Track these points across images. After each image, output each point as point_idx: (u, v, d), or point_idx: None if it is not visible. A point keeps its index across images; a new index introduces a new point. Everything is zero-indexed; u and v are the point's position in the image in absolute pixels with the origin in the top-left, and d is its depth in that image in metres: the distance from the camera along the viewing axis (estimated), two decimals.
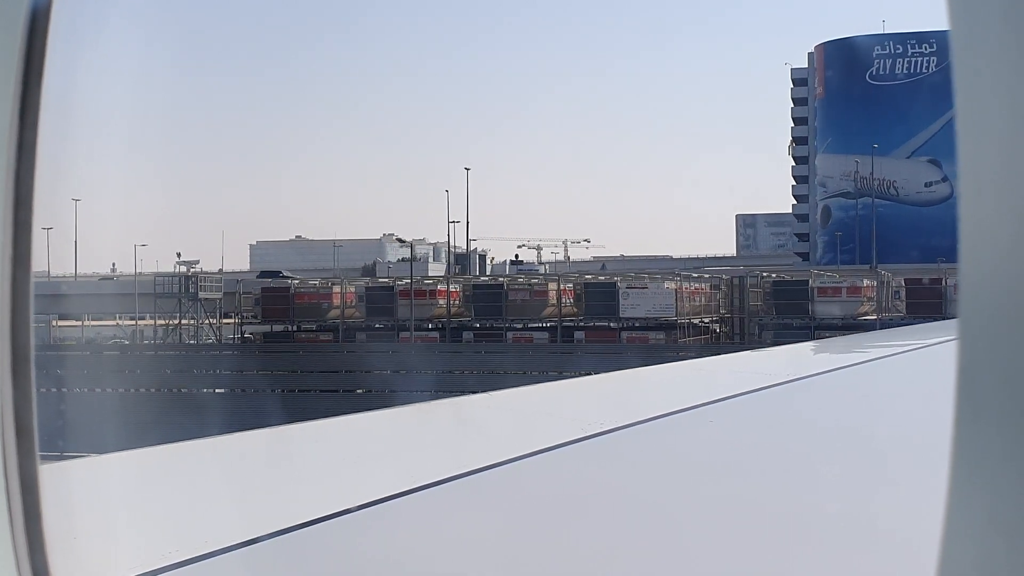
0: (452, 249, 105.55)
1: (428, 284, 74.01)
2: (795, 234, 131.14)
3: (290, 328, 72.02)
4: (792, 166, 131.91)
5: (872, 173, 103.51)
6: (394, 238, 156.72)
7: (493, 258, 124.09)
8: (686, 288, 68.34)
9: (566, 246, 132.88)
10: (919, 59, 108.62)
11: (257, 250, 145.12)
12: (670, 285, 68.23)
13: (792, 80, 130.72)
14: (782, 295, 66.54)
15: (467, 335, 69.05)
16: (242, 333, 76.22)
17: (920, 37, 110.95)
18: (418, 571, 3.36)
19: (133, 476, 4.55)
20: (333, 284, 75.31)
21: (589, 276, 78.34)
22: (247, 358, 66.54)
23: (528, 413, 6.92)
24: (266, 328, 74.16)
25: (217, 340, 76.47)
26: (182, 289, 76.63)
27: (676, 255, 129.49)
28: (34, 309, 2.00)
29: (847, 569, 3.36)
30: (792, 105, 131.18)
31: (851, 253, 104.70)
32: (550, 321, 68.28)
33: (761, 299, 68.05)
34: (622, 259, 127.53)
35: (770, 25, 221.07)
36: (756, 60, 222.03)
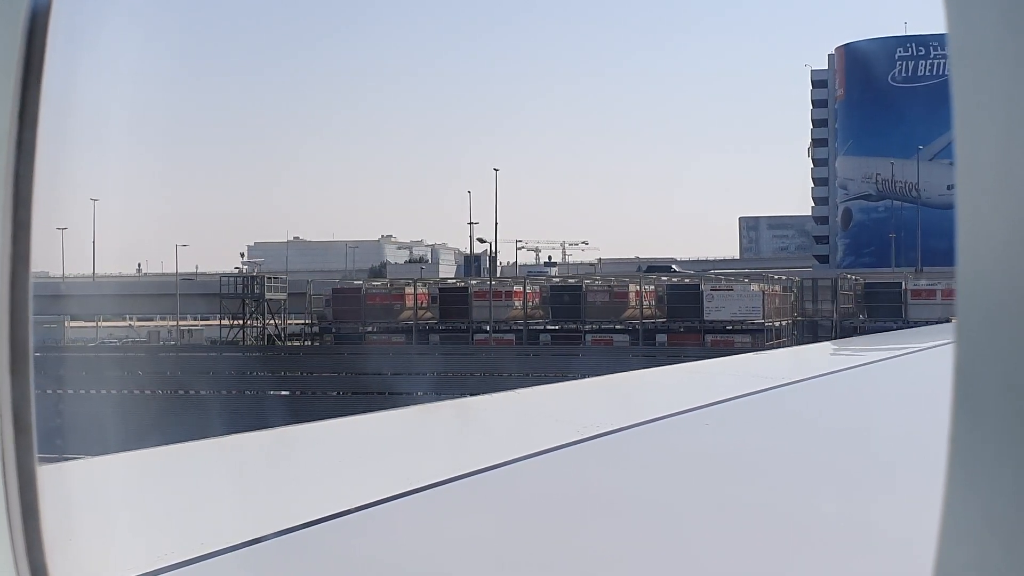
0: (473, 250, 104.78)
1: (504, 285, 72.83)
2: (813, 236, 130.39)
3: (361, 329, 70.81)
4: (811, 168, 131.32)
5: (892, 175, 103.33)
6: (392, 239, 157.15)
7: (507, 260, 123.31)
8: (768, 290, 67.31)
9: (564, 248, 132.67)
10: (941, 61, 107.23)
11: (254, 251, 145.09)
12: (756, 287, 67.17)
13: (812, 82, 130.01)
14: (875, 297, 65.81)
15: (544, 337, 67.68)
16: (282, 335, 75.32)
17: (942, 39, 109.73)
18: (418, 572, 3.36)
19: (132, 477, 4.55)
20: (406, 285, 74.28)
21: (666, 278, 76.72)
22: (317, 359, 65.85)
23: (527, 415, 6.92)
24: (293, 328, 73.69)
25: (282, 341, 75.50)
26: (248, 290, 75.57)
27: (680, 257, 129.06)
28: (33, 309, 2.00)
29: (844, 570, 3.37)
30: (812, 107, 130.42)
31: (872, 256, 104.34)
32: (631, 323, 66.92)
33: (852, 302, 67.17)
34: (635, 260, 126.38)
35: (788, 27, 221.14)
36: (769, 62, 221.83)
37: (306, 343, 74.59)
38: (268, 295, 74.60)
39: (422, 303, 71.37)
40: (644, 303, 67.42)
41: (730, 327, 63.89)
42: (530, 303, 69.72)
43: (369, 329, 70.47)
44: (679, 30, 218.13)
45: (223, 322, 75.91)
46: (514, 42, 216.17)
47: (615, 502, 4.26)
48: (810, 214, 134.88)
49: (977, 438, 1.29)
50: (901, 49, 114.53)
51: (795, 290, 70.36)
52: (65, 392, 44.99)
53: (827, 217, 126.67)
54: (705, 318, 64.61)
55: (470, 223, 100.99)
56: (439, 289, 73.95)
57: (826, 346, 23.36)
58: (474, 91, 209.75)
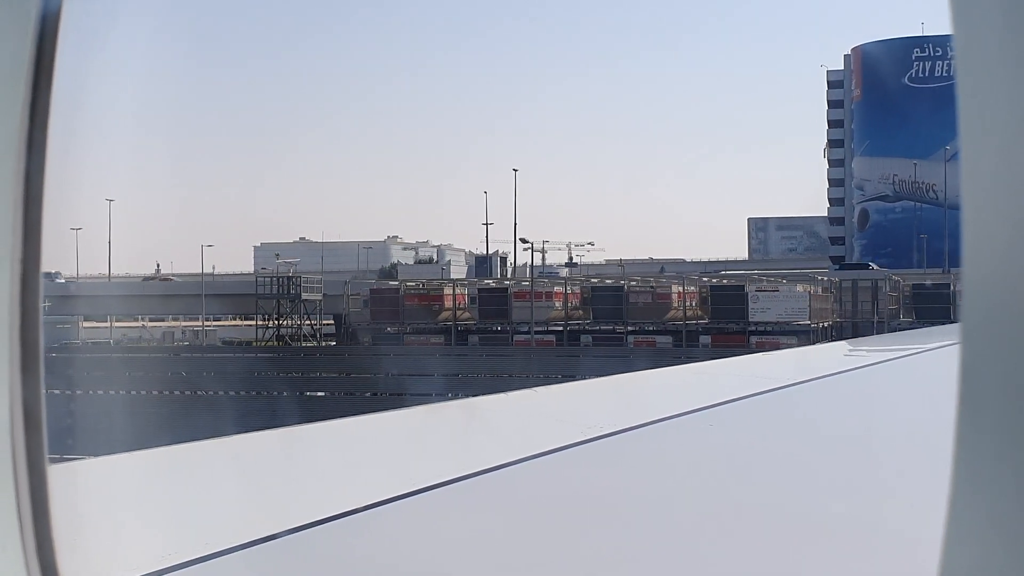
0: (488, 251, 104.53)
1: (545, 286, 72.04)
2: (829, 237, 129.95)
3: (400, 330, 70.38)
4: (827, 169, 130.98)
5: (914, 176, 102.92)
6: (398, 240, 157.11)
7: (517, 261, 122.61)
8: (814, 291, 66.85)
9: (570, 249, 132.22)
10: None
11: (261, 251, 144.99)
12: (802, 288, 66.78)
13: (827, 83, 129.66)
14: (923, 299, 65.48)
15: (585, 339, 66.85)
16: (313, 335, 74.63)
17: None
18: (423, 572, 3.37)
19: (141, 476, 4.57)
20: (444, 285, 74.07)
21: (706, 278, 76.02)
22: (355, 360, 65.02)
23: (531, 415, 6.92)
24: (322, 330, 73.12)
25: (317, 343, 75.23)
26: (283, 290, 75.26)
27: (688, 258, 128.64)
28: (43, 309, 2.01)
29: (848, 571, 3.37)
30: (827, 108, 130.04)
31: (889, 257, 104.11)
32: (673, 324, 66.07)
33: (898, 303, 66.92)
34: (650, 262, 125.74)
35: (799, 28, 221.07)
36: (779, 64, 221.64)
37: (325, 343, 74.20)
38: (304, 295, 74.29)
39: (461, 304, 70.87)
40: (687, 304, 66.77)
41: (775, 328, 63.32)
42: (571, 304, 69.14)
43: (407, 330, 69.94)
44: (688, 31, 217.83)
45: (258, 322, 75.75)
46: (520, 41, 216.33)
47: (618, 503, 4.27)
48: (818, 215, 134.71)
49: (982, 439, 1.29)
50: (918, 50, 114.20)
51: (834, 291, 69.80)
52: (87, 392, 45.04)
53: (843, 218, 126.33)
54: (750, 319, 64.13)
55: (486, 224, 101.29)
56: (478, 290, 73.46)
57: (831, 347, 23.32)
58: (479, 91, 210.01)
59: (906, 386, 9.17)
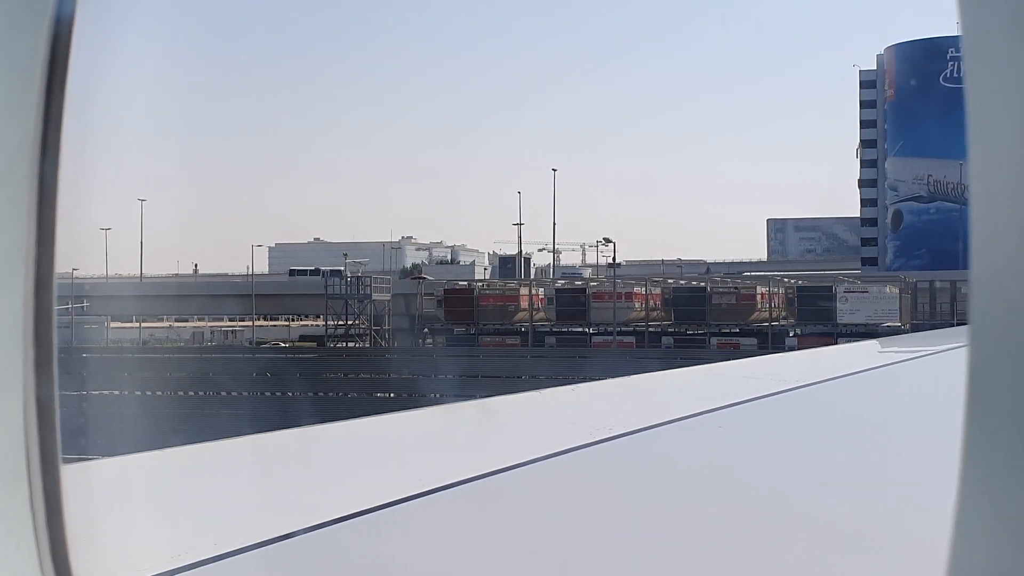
0: (521, 251, 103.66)
1: (625, 286, 70.31)
2: (861, 238, 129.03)
3: (473, 330, 69.20)
4: (859, 169, 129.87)
5: (960, 178, 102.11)
6: (412, 240, 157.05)
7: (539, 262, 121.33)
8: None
9: (584, 250, 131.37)
10: None
11: (276, 252, 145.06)
12: (892, 289, 65.61)
13: (860, 83, 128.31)
14: None
15: (666, 340, 65.33)
16: (388, 335, 73.65)
17: None
18: (435, 572, 3.38)
19: (154, 476, 4.58)
20: (521, 286, 72.80)
21: (792, 279, 74.20)
22: (432, 361, 64.58)
23: (540, 417, 6.92)
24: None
25: (387, 344, 74.43)
26: (353, 290, 74.10)
27: (709, 259, 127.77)
28: (57, 309, 2.02)
29: (856, 571, 3.37)
30: (860, 108, 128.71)
31: (923, 258, 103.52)
32: (758, 326, 64.66)
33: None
34: (669, 263, 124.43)
35: (824, 29, 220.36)
36: (801, 64, 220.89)
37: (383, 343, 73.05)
38: (374, 295, 73.29)
39: (537, 304, 69.71)
40: (772, 305, 65.41)
41: (864, 330, 61.16)
42: (651, 305, 67.77)
43: (482, 330, 68.76)
44: (705, 32, 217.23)
45: (327, 322, 74.72)
46: (531, 41, 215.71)
47: (626, 505, 4.27)
48: (836, 216, 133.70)
49: (990, 441, 1.29)
50: (953, 49, 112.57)
51: (910, 292, 68.90)
52: (122, 392, 45.05)
53: (875, 218, 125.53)
54: (838, 320, 62.83)
55: (518, 224, 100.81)
56: (555, 290, 72.02)
57: (841, 349, 23.27)
58: (489, 92, 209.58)
59: (915, 388, 9.16)
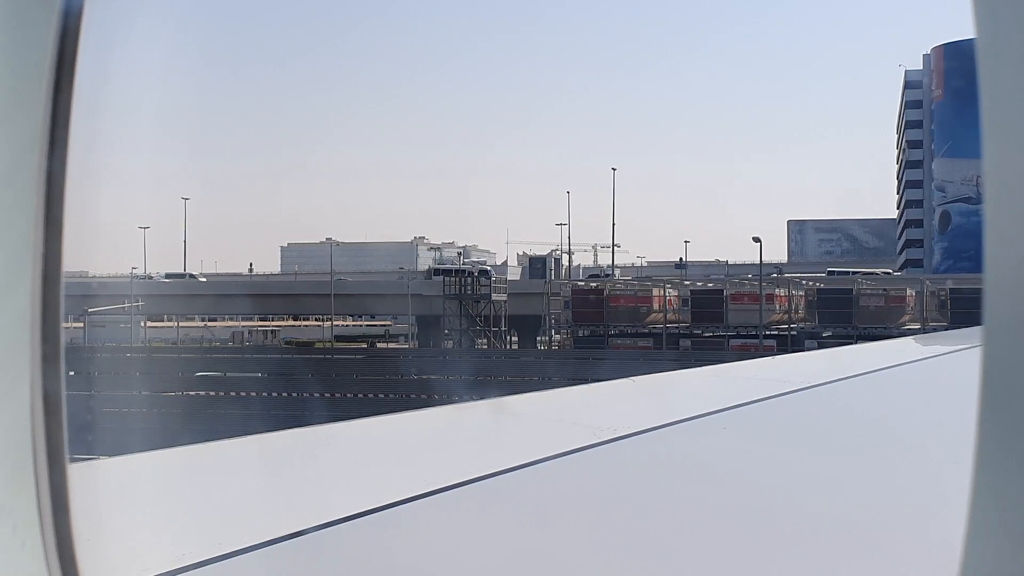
0: (569, 252, 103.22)
1: (765, 288, 67.54)
2: (907, 240, 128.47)
3: (603, 332, 66.87)
4: (904, 170, 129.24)
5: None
6: (425, 240, 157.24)
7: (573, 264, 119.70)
8: None
9: (596, 251, 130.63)
10: None
11: (288, 252, 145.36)
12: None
13: (905, 83, 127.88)
14: None
15: (810, 344, 61.75)
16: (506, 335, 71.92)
17: None
18: (436, 572, 3.37)
19: (161, 475, 4.58)
20: (653, 286, 70.58)
21: (947, 279, 71.71)
22: (564, 363, 62.37)
23: (544, 418, 6.92)
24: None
25: (505, 346, 72.85)
26: (468, 289, 72.74)
27: (731, 260, 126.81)
28: (64, 308, 2.01)
29: (864, 574, 3.36)
30: (904, 108, 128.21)
31: (973, 260, 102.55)
32: (908, 329, 61.22)
33: None
34: (694, 264, 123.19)
35: (858, 29, 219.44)
36: (825, 65, 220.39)
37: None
38: (493, 296, 71.92)
39: (671, 306, 67.68)
40: (924, 307, 63.67)
41: None
42: (794, 307, 65.85)
43: (612, 332, 66.70)
44: (728, 32, 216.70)
45: (445, 323, 72.96)
46: (544, 40, 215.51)
47: (631, 506, 4.26)
48: (854, 218, 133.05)
49: (1004, 443, 1.28)
50: None
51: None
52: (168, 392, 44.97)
53: (916, 220, 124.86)
54: None
55: (560, 224, 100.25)
56: (690, 291, 69.91)
57: (849, 350, 23.26)
58: (498, 92, 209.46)
59: (927, 389, 9.14)
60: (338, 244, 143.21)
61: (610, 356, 60.69)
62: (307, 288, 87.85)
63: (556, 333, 71.43)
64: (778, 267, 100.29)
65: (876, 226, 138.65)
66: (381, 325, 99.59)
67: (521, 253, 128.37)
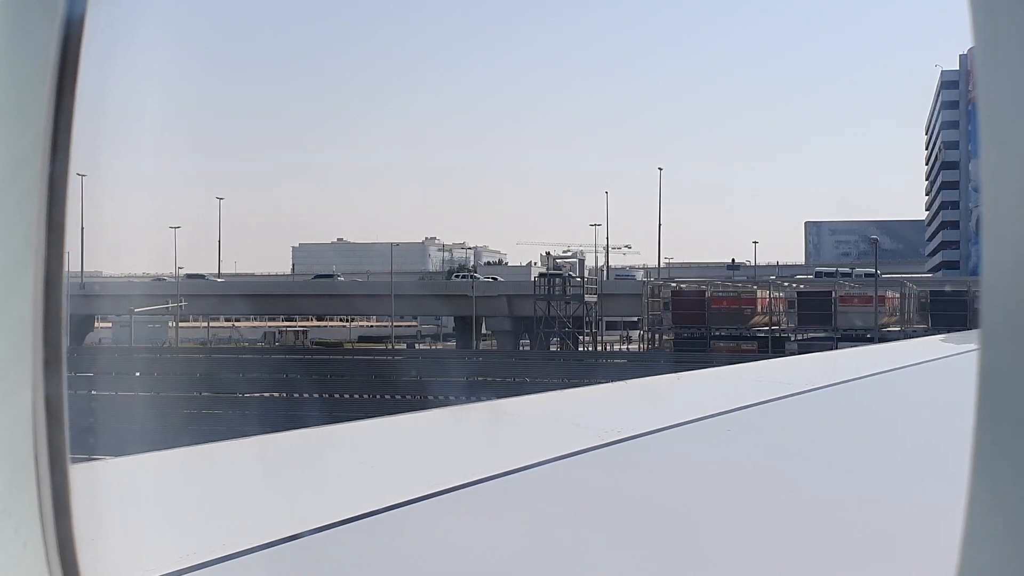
0: (609, 253, 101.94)
1: (873, 289, 65.73)
2: (943, 241, 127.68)
3: (705, 335, 64.76)
4: (939, 171, 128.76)
5: None
6: (435, 241, 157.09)
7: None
8: None
9: (608, 252, 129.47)
10: None
11: (299, 252, 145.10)
12: None
13: (942, 83, 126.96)
14: None
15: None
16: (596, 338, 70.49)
17: None
18: (438, 573, 3.38)
19: (162, 476, 4.59)
20: (757, 288, 68.91)
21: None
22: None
23: (547, 420, 6.92)
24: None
25: (600, 347, 71.09)
26: (557, 290, 71.08)
27: (750, 262, 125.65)
28: (68, 309, 2.01)
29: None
30: (940, 109, 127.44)
31: None
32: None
33: None
34: (713, 265, 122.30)
35: (867, 30, 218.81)
36: (847, 66, 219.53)
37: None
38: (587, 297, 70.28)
39: (777, 308, 66.01)
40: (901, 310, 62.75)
41: None
42: (905, 309, 64.55)
43: (714, 334, 64.63)
44: (746, 33, 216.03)
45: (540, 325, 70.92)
46: (558, 40, 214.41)
47: (633, 507, 4.27)
48: (869, 219, 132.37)
49: (1000, 445, 1.28)
50: None
51: None
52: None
53: (958, 222, 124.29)
54: None
55: (603, 224, 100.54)
56: (797, 293, 68.10)
57: (849, 353, 23.26)
58: (508, 93, 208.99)
59: (925, 392, 9.15)
60: (341, 242, 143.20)
61: (718, 359, 59.19)
62: (328, 288, 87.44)
63: (655, 335, 69.23)
64: (838, 272, 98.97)
65: (893, 228, 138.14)
66: (408, 325, 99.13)
67: (544, 254, 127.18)
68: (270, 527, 3.56)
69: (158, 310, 75.11)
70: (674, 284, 73.77)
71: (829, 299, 64.95)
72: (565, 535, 3.84)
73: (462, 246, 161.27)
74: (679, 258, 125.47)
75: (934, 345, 15.46)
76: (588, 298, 71.79)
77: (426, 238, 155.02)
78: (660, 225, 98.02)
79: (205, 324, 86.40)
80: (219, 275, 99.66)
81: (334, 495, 4.32)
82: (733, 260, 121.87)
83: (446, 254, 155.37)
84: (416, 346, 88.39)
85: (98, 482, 4.01)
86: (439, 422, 7.34)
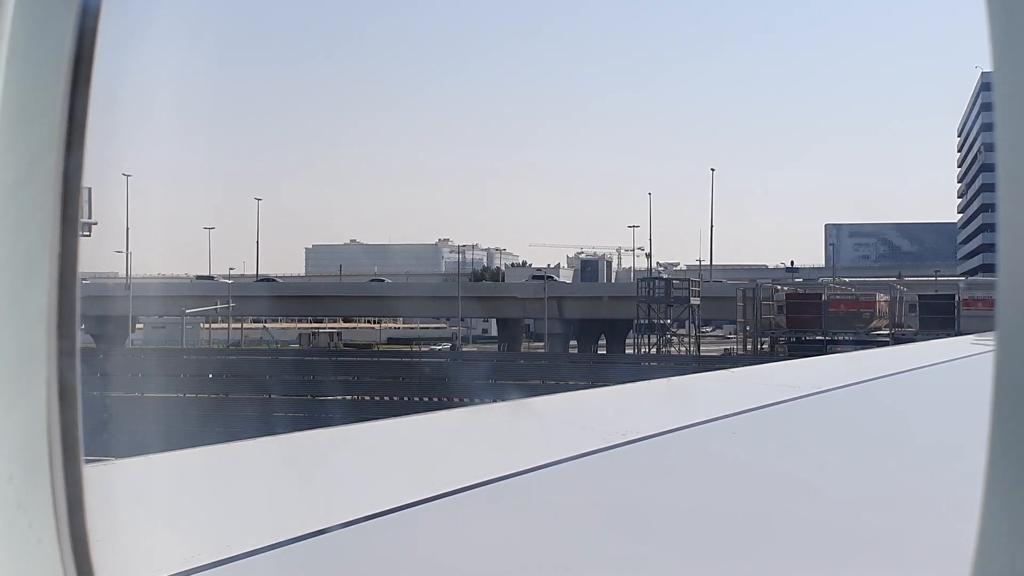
0: (651, 257, 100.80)
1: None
2: (983, 244, 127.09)
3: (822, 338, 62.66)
4: (979, 173, 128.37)
5: None
6: (449, 242, 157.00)
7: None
8: None
9: (619, 253, 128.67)
10: None
11: (312, 253, 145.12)
12: None
13: (981, 84, 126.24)
14: None
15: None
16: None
17: None
18: (447, 573, 3.38)
19: (175, 477, 4.60)
20: (877, 291, 67.63)
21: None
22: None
23: (552, 422, 6.92)
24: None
25: (695, 352, 69.69)
26: (660, 292, 70.12)
27: (770, 265, 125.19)
28: (80, 307, 2.01)
29: None
30: (980, 112, 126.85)
31: None
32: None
33: None
34: (733, 268, 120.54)
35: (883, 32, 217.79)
36: (872, 68, 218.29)
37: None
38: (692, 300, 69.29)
39: (898, 311, 65.00)
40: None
41: None
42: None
43: (831, 338, 62.30)
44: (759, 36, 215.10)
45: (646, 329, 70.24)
46: (573, 39, 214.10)
47: (637, 510, 4.27)
48: (890, 222, 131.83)
49: (1015, 446, 1.27)
50: None
51: None
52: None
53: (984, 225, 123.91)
54: None
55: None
56: (918, 296, 67.05)
57: (856, 356, 23.23)
58: (520, 94, 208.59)
59: (938, 394, 9.14)
60: (355, 243, 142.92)
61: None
62: (352, 290, 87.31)
63: (760, 338, 67.82)
64: (826, 276, 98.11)
65: (913, 231, 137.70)
66: (435, 328, 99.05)
67: (572, 255, 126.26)
68: (282, 527, 3.56)
69: (208, 311, 75.27)
70: (779, 287, 72.58)
71: (952, 303, 63.68)
72: (573, 536, 3.84)
73: (475, 247, 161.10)
74: (703, 260, 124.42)
75: (951, 347, 15.42)
76: (695, 300, 70.99)
77: (439, 239, 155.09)
78: (712, 227, 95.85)
79: (239, 326, 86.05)
80: (256, 276, 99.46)
81: (344, 495, 4.33)
82: (792, 263, 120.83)
83: (473, 255, 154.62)
84: (457, 347, 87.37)
85: (112, 480, 4.02)
86: (450, 423, 7.34)
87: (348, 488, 4.55)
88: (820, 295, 67.02)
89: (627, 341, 77.91)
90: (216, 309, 75.74)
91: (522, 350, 77.82)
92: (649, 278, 76.46)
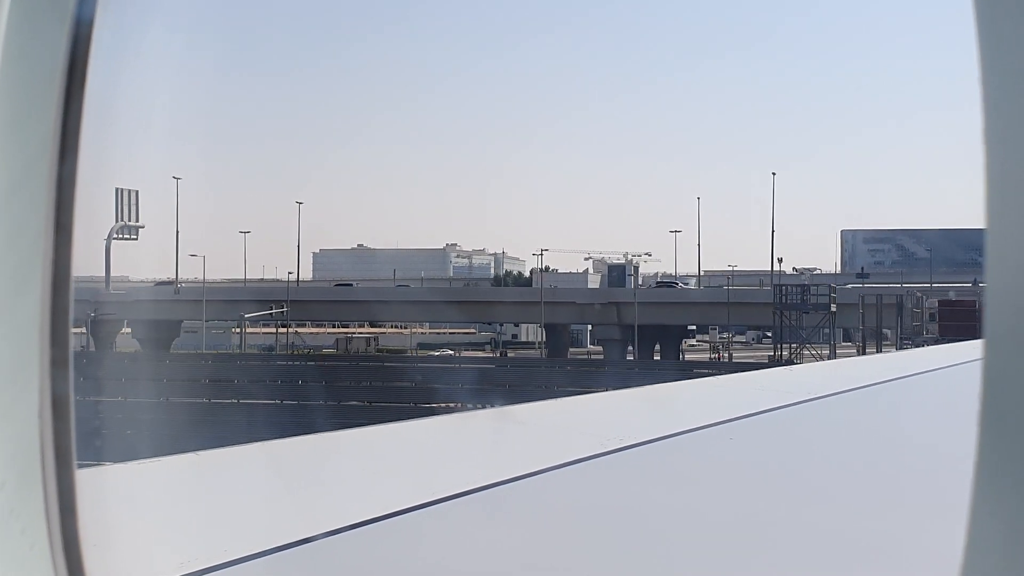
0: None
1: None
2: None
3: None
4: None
5: None
6: (456, 247, 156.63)
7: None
8: None
9: (626, 259, 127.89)
10: None
11: (320, 258, 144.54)
12: None
13: None
14: None
15: None
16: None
17: None
18: None
19: (168, 481, 4.60)
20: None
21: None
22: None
23: (550, 427, 6.92)
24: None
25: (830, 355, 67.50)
26: (794, 298, 69.27)
27: (787, 270, 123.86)
28: (73, 313, 2.01)
29: None
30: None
31: None
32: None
33: None
34: (754, 273, 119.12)
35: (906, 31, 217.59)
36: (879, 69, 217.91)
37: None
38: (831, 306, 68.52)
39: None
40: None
41: None
42: None
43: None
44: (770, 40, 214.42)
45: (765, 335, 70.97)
46: (580, 43, 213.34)
47: (634, 515, 4.27)
48: (905, 228, 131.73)
49: (1003, 452, 1.28)
50: None
51: None
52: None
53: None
54: None
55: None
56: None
57: (850, 362, 23.25)
58: (525, 96, 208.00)
59: (928, 401, 9.14)
60: (362, 248, 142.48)
61: None
62: (377, 295, 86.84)
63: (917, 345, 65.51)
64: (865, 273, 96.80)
65: (928, 237, 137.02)
66: (465, 333, 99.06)
67: (598, 260, 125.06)
68: (274, 532, 3.56)
69: (263, 315, 75.30)
70: (918, 295, 71.41)
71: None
72: (571, 542, 3.84)
73: (482, 252, 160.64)
74: (715, 266, 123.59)
75: (940, 355, 15.42)
76: (832, 307, 70.55)
77: (447, 244, 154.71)
78: (773, 232, 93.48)
79: (272, 331, 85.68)
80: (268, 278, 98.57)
81: (339, 500, 4.33)
82: (863, 269, 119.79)
83: (502, 261, 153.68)
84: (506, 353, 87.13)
85: (105, 485, 4.02)
86: (447, 428, 7.34)
87: (344, 492, 4.55)
88: (974, 302, 64.99)
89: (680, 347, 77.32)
90: (271, 313, 75.63)
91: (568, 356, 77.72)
92: (785, 285, 75.34)
